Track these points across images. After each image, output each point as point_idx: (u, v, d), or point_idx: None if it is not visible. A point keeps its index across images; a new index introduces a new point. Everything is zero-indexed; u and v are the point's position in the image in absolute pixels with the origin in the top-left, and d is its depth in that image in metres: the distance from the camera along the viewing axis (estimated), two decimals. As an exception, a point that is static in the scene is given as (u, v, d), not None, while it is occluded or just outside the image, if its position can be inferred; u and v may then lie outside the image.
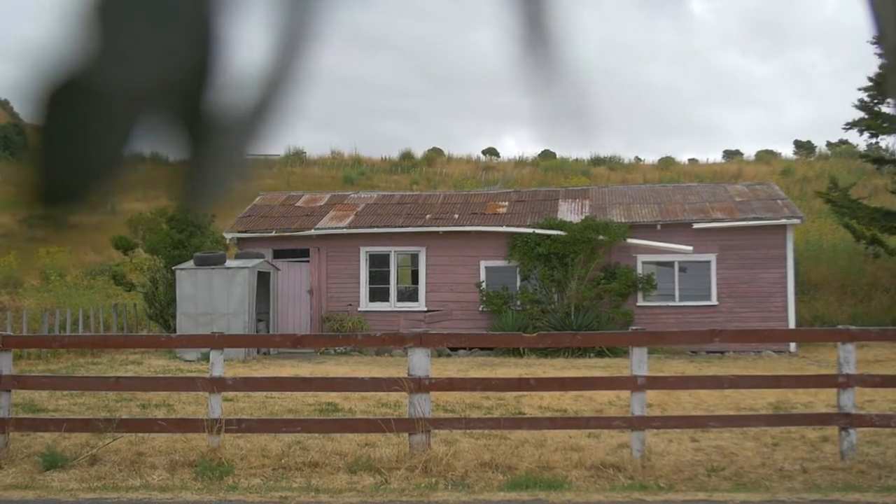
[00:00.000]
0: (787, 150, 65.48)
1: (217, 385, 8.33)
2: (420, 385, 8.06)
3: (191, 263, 19.64)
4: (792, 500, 6.63)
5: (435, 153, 60.53)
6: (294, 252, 22.56)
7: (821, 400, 11.25)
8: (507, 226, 21.86)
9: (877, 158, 27.05)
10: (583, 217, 21.75)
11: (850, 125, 25.53)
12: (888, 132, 25.11)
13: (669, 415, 10.36)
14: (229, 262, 19.75)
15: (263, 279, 20.38)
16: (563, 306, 20.82)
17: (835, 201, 24.70)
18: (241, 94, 0.67)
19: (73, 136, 0.61)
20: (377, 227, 22.43)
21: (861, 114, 25.32)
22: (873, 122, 24.98)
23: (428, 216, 22.97)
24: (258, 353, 19.45)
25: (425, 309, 21.99)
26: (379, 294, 22.40)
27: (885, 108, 24.62)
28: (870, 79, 25.12)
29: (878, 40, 0.87)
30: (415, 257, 22.50)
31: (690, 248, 20.93)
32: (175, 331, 19.19)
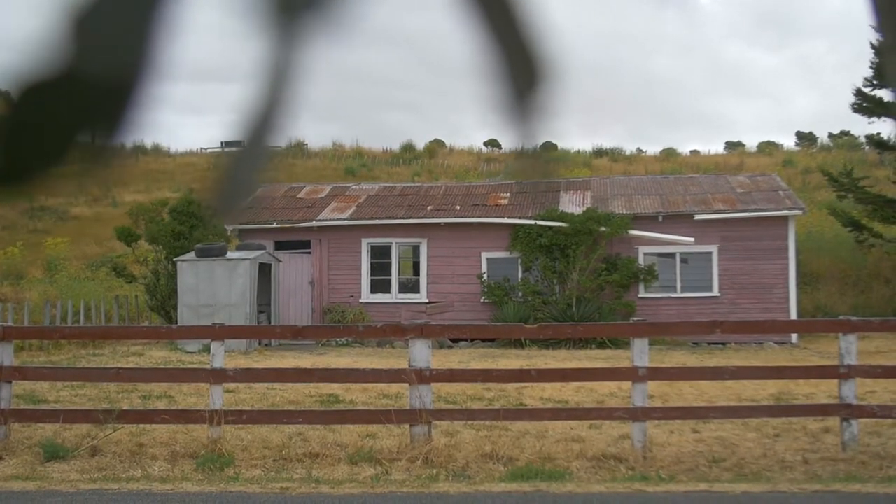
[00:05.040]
0: (789, 142, 65.36)
1: (218, 376, 8.33)
2: (421, 376, 8.06)
3: (192, 255, 19.63)
4: (793, 490, 6.62)
5: (437, 145, 60.50)
6: (295, 243, 22.56)
7: (822, 391, 11.24)
8: (509, 217, 21.83)
9: (879, 143, 26.97)
10: (584, 208, 21.72)
11: (857, 106, 25.35)
12: (890, 114, 25.01)
13: (671, 406, 10.36)
14: (230, 254, 19.74)
15: (265, 270, 20.37)
16: (564, 298, 20.81)
17: (840, 181, 24.58)
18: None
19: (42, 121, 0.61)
20: (378, 218, 22.42)
21: (864, 95, 25.18)
22: (876, 98, 24.83)
23: (429, 207, 22.95)
24: (259, 344, 19.45)
25: (427, 300, 21.99)
26: (380, 285, 22.40)
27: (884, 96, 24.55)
28: (871, 66, 25.05)
29: (877, 24, 0.85)
30: (416, 249, 22.48)
31: (692, 239, 20.90)
32: (176, 322, 19.19)
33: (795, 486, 6.79)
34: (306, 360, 16.38)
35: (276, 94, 0.66)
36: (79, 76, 0.59)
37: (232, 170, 0.69)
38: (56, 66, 0.58)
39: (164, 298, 21.62)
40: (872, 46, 24.71)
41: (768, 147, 58.49)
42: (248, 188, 0.70)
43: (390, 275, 22.40)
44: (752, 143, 70.61)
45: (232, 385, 10.93)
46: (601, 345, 19.09)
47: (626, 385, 9.05)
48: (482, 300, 21.73)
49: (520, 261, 21.52)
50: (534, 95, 0.70)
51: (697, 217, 21.15)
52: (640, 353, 8.01)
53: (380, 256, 22.47)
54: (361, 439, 8.44)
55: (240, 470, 7.48)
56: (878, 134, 28.36)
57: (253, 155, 0.68)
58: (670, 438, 8.58)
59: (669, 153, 56.49)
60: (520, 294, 21.34)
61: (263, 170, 0.70)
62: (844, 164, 26.31)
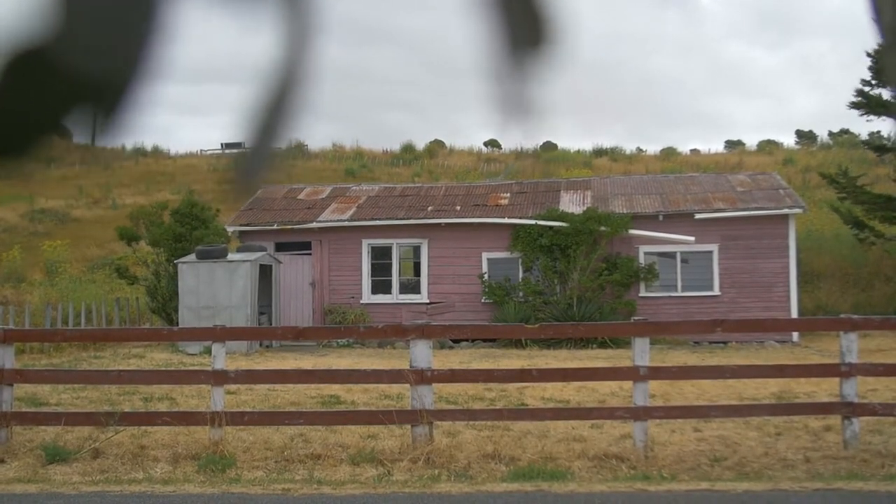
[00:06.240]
0: (790, 140, 65.39)
1: (219, 378, 8.33)
2: (422, 377, 8.05)
3: (193, 257, 19.63)
4: (794, 489, 6.62)
5: (437, 145, 60.54)
6: (296, 245, 22.55)
7: (823, 389, 11.24)
8: (509, 217, 21.83)
9: (878, 146, 27.00)
10: (585, 208, 21.72)
11: (855, 105, 25.34)
12: (888, 113, 24.98)
13: (672, 405, 10.36)
14: (231, 256, 19.73)
15: (265, 272, 20.37)
16: (565, 297, 20.80)
17: (838, 181, 24.58)
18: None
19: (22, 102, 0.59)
20: (379, 219, 22.41)
21: (864, 94, 25.16)
22: (874, 98, 24.82)
23: (430, 208, 22.95)
24: (261, 346, 19.44)
25: (428, 301, 21.98)
26: (381, 286, 22.39)
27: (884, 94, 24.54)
28: (869, 67, 25.04)
29: (875, 22, 0.85)
30: (417, 249, 22.48)
31: (692, 238, 20.89)
32: (177, 324, 19.19)
33: (797, 484, 6.78)
34: (307, 362, 16.38)
35: (283, 93, 0.65)
36: (65, 66, 0.57)
37: (253, 146, 0.68)
38: (43, 48, 0.56)
39: (165, 300, 21.62)
40: (868, 55, 24.73)
41: (768, 146, 58.49)
42: (267, 161, 0.69)
43: (391, 275, 22.39)
44: (752, 141, 70.71)
45: (233, 386, 10.92)
46: (602, 344, 19.08)
47: (628, 384, 9.05)
48: (483, 300, 21.72)
49: (520, 261, 21.52)
50: (536, 54, 0.69)
51: (698, 216, 21.14)
52: (642, 353, 8.01)
53: (380, 257, 22.47)
54: (363, 440, 8.44)
55: (241, 471, 7.48)
56: (878, 132, 28.40)
57: (263, 148, 0.68)
58: (672, 437, 8.58)
59: (669, 152, 56.50)
60: (521, 294, 21.33)
61: (277, 159, 0.69)
62: (839, 165, 26.31)
